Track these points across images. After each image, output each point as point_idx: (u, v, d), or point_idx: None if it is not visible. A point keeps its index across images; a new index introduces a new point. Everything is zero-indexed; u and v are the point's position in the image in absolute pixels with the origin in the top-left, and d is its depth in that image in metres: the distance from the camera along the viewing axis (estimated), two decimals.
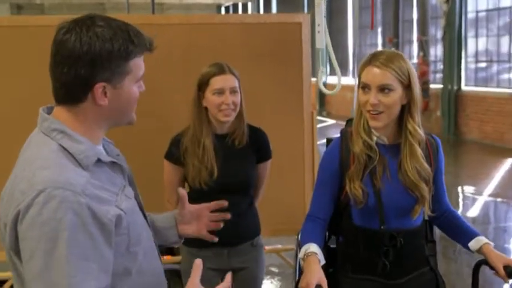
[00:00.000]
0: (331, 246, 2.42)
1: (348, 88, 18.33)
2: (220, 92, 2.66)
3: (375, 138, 2.21)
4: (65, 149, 1.46)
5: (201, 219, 2.04)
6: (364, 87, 2.15)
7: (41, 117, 1.52)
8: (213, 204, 2.07)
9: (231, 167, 2.72)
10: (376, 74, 2.11)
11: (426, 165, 2.20)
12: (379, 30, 17.11)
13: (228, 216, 2.08)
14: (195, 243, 2.79)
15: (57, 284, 1.35)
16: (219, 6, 28.40)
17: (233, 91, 2.68)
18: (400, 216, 2.21)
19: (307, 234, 2.25)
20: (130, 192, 1.60)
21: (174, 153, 2.76)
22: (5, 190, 1.48)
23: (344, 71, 19.59)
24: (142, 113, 3.26)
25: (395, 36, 15.93)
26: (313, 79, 13.44)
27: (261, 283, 2.91)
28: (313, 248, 2.15)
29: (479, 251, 2.27)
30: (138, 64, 1.54)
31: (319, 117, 18.59)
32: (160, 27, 3.45)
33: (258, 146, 2.83)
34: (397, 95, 2.12)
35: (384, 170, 2.19)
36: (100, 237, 1.41)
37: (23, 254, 1.39)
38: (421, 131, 2.19)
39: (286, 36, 3.52)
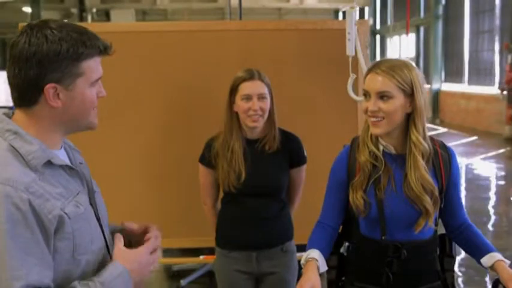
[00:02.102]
0: (345, 254, 2.41)
1: (462, 96, 17.84)
2: (248, 97, 2.71)
3: (381, 147, 2.18)
4: (15, 149, 1.48)
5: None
6: (365, 94, 2.13)
7: (0, 119, 1.56)
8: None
9: (259, 171, 2.76)
10: (376, 81, 2.09)
11: (429, 177, 2.13)
12: (497, 35, 16.31)
13: None
14: (226, 245, 2.87)
15: (1, 279, 1.37)
16: (336, 11, 28.29)
17: (261, 97, 2.71)
18: (404, 228, 2.16)
19: (312, 240, 2.27)
20: (84, 200, 1.60)
21: (206, 157, 2.85)
22: None
23: (459, 78, 18.88)
24: (201, 117, 3.47)
25: None
26: (426, 86, 13.14)
27: None
28: (313, 253, 2.17)
29: (492, 267, 2.17)
30: (92, 67, 1.55)
31: (431, 125, 18.09)
32: (217, 33, 3.57)
33: (290, 151, 2.85)
34: (397, 103, 2.08)
35: (388, 181, 2.16)
36: (39, 234, 1.42)
37: None
38: (425, 143, 2.13)
39: (342, 43, 3.49)
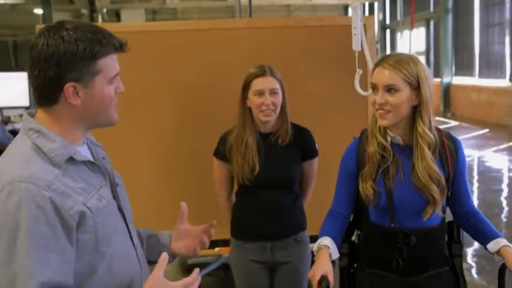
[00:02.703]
0: (356, 242, 2.50)
1: (473, 89, 17.81)
2: (261, 93, 2.80)
3: (389, 138, 2.26)
4: (38, 147, 1.54)
5: (194, 238, 2.06)
6: (373, 87, 2.22)
7: (23, 118, 1.63)
8: (207, 226, 2.08)
9: (273, 163, 2.85)
10: (383, 75, 2.17)
11: (435, 167, 2.22)
12: (507, 28, 16.26)
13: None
14: (241, 236, 2.97)
15: (17, 274, 1.40)
16: (345, 7, 28.29)
17: (273, 92, 2.80)
18: (412, 216, 2.25)
19: (324, 228, 2.36)
20: (107, 194, 1.65)
21: (221, 151, 2.95)
22: None
23: (470, 72, 18.85)
24: (212, 114, 3.56)
25: None
26: (437, 79, 13.00)
27: (305, 278, 3.00)
28: (325, 241, 2.26)
29: (498, 253, 2.25)
30: (109, 64, 1.60)
31: (442, 119, 18.07)
32: (227, 32, 3.66)
33: (302, 145, 2.94)
34: (404, 96, 2.16)
35: (397, 170, 2.24)
36: (61, 231, 1.47)
37: None
38: (431, 134, 2.21)
39: (350, 39, 3.56)
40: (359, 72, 3.30)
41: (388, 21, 26.89)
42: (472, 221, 2.38)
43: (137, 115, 3.64)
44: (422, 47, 22.44)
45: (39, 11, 21.17)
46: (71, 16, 21.60)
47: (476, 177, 9.71)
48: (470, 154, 11.51)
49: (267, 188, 2.87)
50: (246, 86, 2.85)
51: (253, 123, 2.88)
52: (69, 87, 1.55)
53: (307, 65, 3.61)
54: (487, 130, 15.14)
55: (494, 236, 2.29)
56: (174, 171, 3.75)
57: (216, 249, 4.40)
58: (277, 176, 2.87)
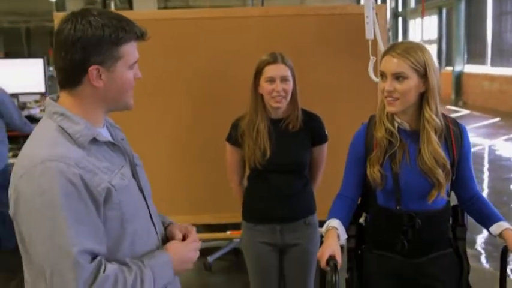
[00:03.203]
0: (364, 224, 2.58)
1: (485, 77, 17.76)
2: (272, 80, 2.87)
3: (396, 124, 2.34)
4: (63, 129, 1.63)
5: None
6: (382, 75, 2.29)
7: (46, 103, 1.71)
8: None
9: (283, 148, 2.94)
10: (392, 63, 2.24)
11: (441, 151, 2.29)
12: None
13: None
14: (252, 219, 3.06)
15: (60, 245, 1.52)
16: None
17: (284, 79, 2.88)
18: (418, 199, 2.32)
19: (333, 210, 2.45)
20: (127, 173, 1.74)
21: (233, 136, 3.03)
22: (14, 167, 1.64)
23: (482, 60, 18.78)
24: (224, 100, 3.64)
25: None
26: (449, 68, 12.99)
27: (314, 259, 3.08)
28: (333, 223, 2.35)
29: (500, 235, 2.33)
30: (130, 50, 1.68)
31: (453, 107, 18.07)
32: (239, 20, 3.73)
33: (312, 130, 3.02)
34: (412, 83, 2.23)
35: (403, 155, 2.32)
36: (91, 206, 1.57)
37: (29, 222, 1.56)
38: (437, 119, 2.29)
39: (361, 27, 3.62)
40: (372, 59, 3.36)
41: (400, 9, 26.77)
42: (476, 205, 2.45)
43: (150, 102, 3.73)
44: (434, 35, 22.37)
45: None
46: (84, 3, 21.68)
47: (486, 165, 9.75)
48: (481, 143, 11.54)
49: (277, 172, 2.95)
50: (258, 73, 2.92)
51: (264, 109, 2.96)
52: (93, 69, 1.63)
53: (319, 53, 3.68)
54: (498, 119, 15.13)
55: (496, 220, 2.36)
56: (187, 157, 3.84)
57: (228, 232, 4.50)
58: (288, 161, 2.95)
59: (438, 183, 2.29)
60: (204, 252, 5.23)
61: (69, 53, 1.62)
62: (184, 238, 1.90)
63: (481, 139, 11.98)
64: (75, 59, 1.62)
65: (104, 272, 1.57)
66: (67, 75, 1.67)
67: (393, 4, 26.82)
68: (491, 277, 2.46)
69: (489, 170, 9.39)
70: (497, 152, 10.80)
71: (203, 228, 5.14)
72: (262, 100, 2.95)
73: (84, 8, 1.68)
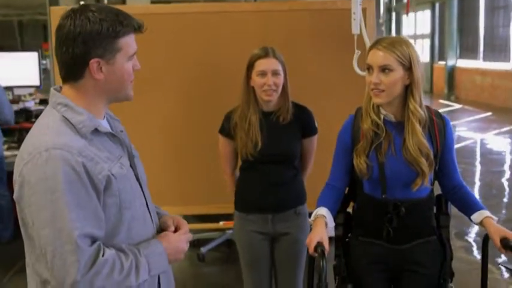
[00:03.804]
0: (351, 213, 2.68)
1: (477, 72, 17.89)
2: (263, 73, 2.95)
3: (382, 116, 2.42)
4: (67, 119, 1.70)
5: None
6: (368, 68, 2.38)
7: (51, 94, 1.78)
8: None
9: (274, 140, 3.02)
10: (378, 56, 2.33)
11: (425, 142, 2.38)
12: None
13: None
14: (244, 209, 3.15)
15: (62, 229, 1.60)
16: None
17: (275, 73, 2.96)
18: (403, 188, 2.41)
19: (321, 199, 2.54)
20: (126, 163, 1.82)
21: (226, 128, 3.12)
22: (18, 153, 1.73)
23: (474, 55, 18.91)
24: (219, 93, 3.72)
25: None
26: (441, 62, 13.12)
27: (304, 248, 3.16)
28: (321, 211, 2.45)
29: (481, 223, 2.42)
30: (128, 42, 1.75)
31: (445, 102, 18.19)
32: (232, 15, 3.81)
33: (302, 123, 3.10)
34: (397, 75, 2.32)
35: (389, 145, 2.41)
36: (92, 192, 1.65)
37: (32, 206, 1.63)
38: (421, 111, 2.38)
39: (350, 22, 3.69)
40: (357, 53, 3.45)
41: (394, 3, 26.85)
42: (458, 194, 2.55)
43: (144, 95, 3.79)
44: (427, 30, 22.46)
45: None
46: None
47: (478, 159, 9.87)
48: (473, 137, 11.67)
49: (268, 163, 3.04)
50: (250, 67, 3.00)
51: (256, 102, 3.04)
52: (94, 62, 1.71)
53: (310, 47, 3.77)
54: (490, 113, 15.25)
55: (478, 208, 2.46)
56: (180, 148, 3.93)
57: (221, 222, 4.59)
58: (278, 152, 3.04)
59: (422, 172, 2.38)
60: (198, 244, 5.33)
61: (70, 47, 1.69)
62: (176, 230, 1.98)
63: (472, 133, 12.10)
64: (76, 53, 1.69)
65: (102, 256, 1.65)
66: (69, 69, 1.74)
67: None
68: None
69: (480, 163, 9.51)
70: (488, 146, 10.92)
71: (195, 218, 5.24)
72: (254, 93, 3.03)
73: (83, 5, 1.76)
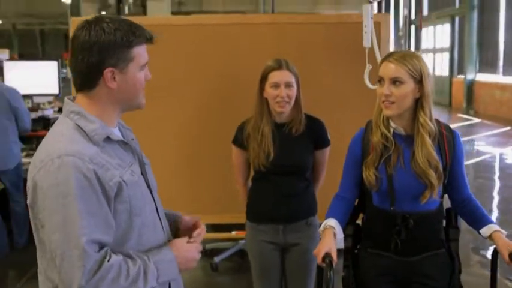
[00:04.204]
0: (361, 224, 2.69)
1: (496, 86, 17.78)
2: (276, 85, 2.99)
3: (392, 129, 2.44)
4: (79, 127, 1.75)
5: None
6: (380, 80, 2.41)
7: (65, 103, 1.83)
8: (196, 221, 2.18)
9: (286, 151, 3.05)
10: (390, 68, 2.36)
11: (435, 155, 2.40)
12: None
13: None
14: (255, 219, 3.18)
15: (71, 234, 1.64)
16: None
17: (288, 85, 2.99)
18: (412, 200, 2.43)
19: (330, 210, 2.57)
20: (137, 170, 1.87)
21: (239, 139, 3.16)
22: (32, 160, 1.78)
23: (493, 69, 18.79)
24: (234, 103, 3.76)
25: None
26: (460, 76, 13.11)
27: (314, 259, 3.17)
28: (330, 222, 2.47)
29: (490, 237, 2.43)
30: (141, 52, 1.81)
31: (464, 116, 18.08)
32: (250, 26, 3.86)
33: (315, 134, 3.13)
34: (408, 88, 2.35)
35: (398, 158, 2.43)
36: (103, 199, 1.69)
37: (44, 211, 1.68)
38: (431, 124, 2.40)
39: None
40: (368, 67, 3.47)
41: (413, 17, 26.79)
42: (468, 207, 2.56)
43: (160, 104, 3.86)
44: (447, 44, 22.38)
45: (67, 0, 21.53)
46: (98, 6, 21.92)
47: (497, 173, 9.81)
48: (491, 151, 11.58)
49: (280, 174, 3.06)
50: (263, 79, 3.04)
51: (269, 113, 3.07)
52: (108, 72, 1.76)
53: (325, 59, 3.81)
54: (509, 128, 15.14)
55: (487, 222, 2.47)
56: (194, 158, 3.97)
57: (233, 232, 4.62)
58: (290, 163, 3.06)
59: (431, 185, 2.39)
60: (211, 253, 5.37)
61: (85, 57, 1.75)
62: (194, 227, 2.04)
63: (491, 148, 12.02)
64: (91, 62, 1.75)
65: (108, 261, 1.68)
66: (84, 78, 1.79)
67: (406, 12, 26.84)
68: (499, 283, 2.53)
69: (499, 178, 9.45)
70: (506, 161, 10.84)
71: (209, 228, 5.26)
72: (267, 104, 3.06)
73: (97, 16, 1.82)
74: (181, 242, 1.93)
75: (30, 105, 6.64)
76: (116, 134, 1.87)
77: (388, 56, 2.40)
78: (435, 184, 2.39)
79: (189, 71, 3.87)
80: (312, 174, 3.22)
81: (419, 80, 2.36)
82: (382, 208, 2.47)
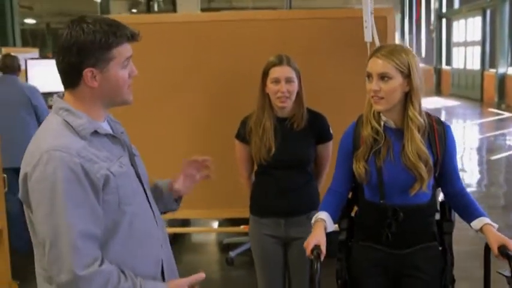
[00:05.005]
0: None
1: None
2: (277, 80, 3.03)
3: (382, 122, 2.47)
4: (67, 123, 1.81)
5: (190, 177, 2.30)
6: (368, 76, 2.43)
7: (54, 100, 1.89)
8: (195, 159, 2.32)
9: (288, 146, 3.09)
10: (377, 64, 2.39)
11: (424, 148, 2.41)
12: None
13: (210, 175, 2.35)
14: (258, 213, 3.23)
15: (58, 225, 1.71)
16: None
17: (288, 81, 3.03)
18: (401, 193, 2.45)
19: (322, 204, 2.62)
20: (126, 161, 1.93)
21: (241, 133, 3.21)
22: (24, 154, 1.84)
23: None
24: (242, 99, 3.82)
25: None
26: (492, 70, 12.96)
27: None
28: (321, 215, 2.52)
29: (481, 230, 2.43)
30: (121, 52, 1.84)
31: (495, 110, 17.79)
32: (257, 23, 3.92)
33: (317, 129, 3.16)
34: (396, 83, 2.37)
35: (388, 151, 2.46)
36: (90, 191, 1.75)
37: (33, 204, 1.76)
38: (420, 118, 2.41)
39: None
40: None
41: (444, 10, 26.44)
42: (460, 201, 2.56)
43: (174, 102, 3.95)
44: (478, 37, 22.04)
45: None
46: (127, 4, 22.19)
47: None
48: None
49: (282, 168, 3.11)
50: (265, 74, 3.09)
51: (271, 108, 3.12)
52: (87, 72, 1.81)
53: (328, 55, 3.85)
54: None
55: (478, 215, 2.47)
56: (204, 153, 4.02)
57: (242, 226, 4.68)
58: (291, 157, 3.11)
59: (420, 178, 2.41)
60: (227, 248, 5.44)
61: (66, 56, 1.81)
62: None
63: None
64: (72, 62, 1.80)
65: (100, 266, 1.75)
66: (66, 77, 1.85)
67: (437, 5, 26.50)
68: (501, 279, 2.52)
69: None
70: None
71: (224, 221, 5.34)
72: (269, 99, 3.11)
73: (80, 16, 1.86)
74: (181, 282, 1.95)
75: (51, 102, 6.78)
76: (105, 127, 1.93)
77: (376, 52, 2.42)
78: (425, 177, 2.41)
79: (196, 68, 3.95)
80: (315, 169, 3.26)
81: (408, 74, 2.37)
82: (373, 201, 2.50)
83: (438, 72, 26.04)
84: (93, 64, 1.81)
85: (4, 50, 8.66)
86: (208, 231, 6.03)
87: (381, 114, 2.48)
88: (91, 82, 1.83)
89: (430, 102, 19.57)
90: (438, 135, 2.48)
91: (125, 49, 1.87)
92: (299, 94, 3.10)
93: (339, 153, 2.63)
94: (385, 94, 2.37)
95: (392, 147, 2.46)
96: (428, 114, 2.50)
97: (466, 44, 23.43)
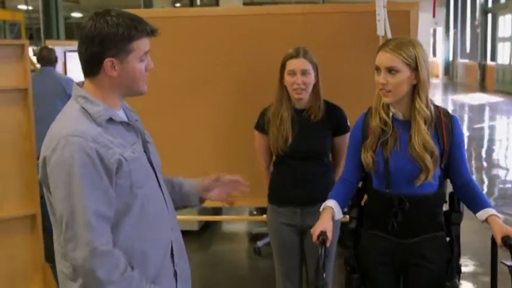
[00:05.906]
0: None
1: None
2: (293, 73, 3.12)
3: (391, 114, 2.52)
4: (85, 109, 1.92)
5: (223, 186, 2.39)
6: (376, 68, 2.49)
7: (73, 88, 2.01)
8: (230, 177, 2.40)
9: (304, 136, 3.17)
10: (385, 58, 2.44)
11: (430, 140, 2.46)
12: None
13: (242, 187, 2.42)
14: (275, 201, 3.32)
15: (75, 206, 1.82)
16: None
17: (304, 73, 3.11)
18: (407, 183, 2.51)
19: (332, 192, 2.69)
20: (139, 148, 2.03)
21: (260, 124, 3.31)
22: (44, 139, 1.95)
23: None
24: (264, 91, 3.90)
25: None
26: None
27: (333, 242, 3.27)
28: (330, 203, 2.60)
29: (486, 221, 2.47)
30: (140, 46, 1.95)
31: None
32: (279, 17, 4.00)
33: (334, 121, 3.23)
34: (404, 76, 2.42)
35: (395, 142, 2.51)
36: (104, 175, 1.86)
37: (51, 186, 1.88)
38: (427, 110, 2.46)
39: (395, 24, 3.75)
40: None
41: (490, 5, 25.92)
42: (468, 192, 2.60)
43: (202, 92, 4.08)
44: None
45: None
46: (171, 0, 22.39)
47: None
48: None
49: (298, 158, 3.19)
50: (282, 66, 3.17)
51: (289, 99, 3.20)
52: (108, 61, 1.92)
53: (348, 48, 3.88)
54: None
55: (484, 206, 2.51)
56: (230, 145, 4.13)
57: (264, 215, 4.75)
58: (307, 148, 3.19)
59: (426, 168, 2.46)
60: (255, 237, 5.54)
61: (89, 46, 1.92)
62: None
63: None
64: (93, 52, 1.91)
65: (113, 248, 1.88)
66: (87, 66, 1.96)
67: (482, 0, 26.00)
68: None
69: None
70: None
71: (255, 210, 5.43)
72: (286, 91, 3.19)
73: (105, 9, 1.98)
74: None
75: None
76: (120, 115, 2.05)
77: (384, 45, 2.48)
78: (430, 168, 2.46)
79: (221, 62, 4.05)
80: (333, 160, 3.32)
81: (415, 68, 2.42)
82: (379, 190, 2.56)
83: (483, 67, 25.59)
84: (113, 54, 1.92)
85: (47, 42, 8.90)
86: (234, 219, 6.11)
87: (390, 106, 2.53)
88: (110, 71, 1.94)
89: (473, 99, 19.30)
90: (445, 127, 2.52)
91: (144, 43, 1.98)
92: (316, 86, 3.17)
93: (350, 143, 2.71)
94: (393, 87, 2.43)
95: (400, 138, 2.51)
96: (436, 106, 2.54)
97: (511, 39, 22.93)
